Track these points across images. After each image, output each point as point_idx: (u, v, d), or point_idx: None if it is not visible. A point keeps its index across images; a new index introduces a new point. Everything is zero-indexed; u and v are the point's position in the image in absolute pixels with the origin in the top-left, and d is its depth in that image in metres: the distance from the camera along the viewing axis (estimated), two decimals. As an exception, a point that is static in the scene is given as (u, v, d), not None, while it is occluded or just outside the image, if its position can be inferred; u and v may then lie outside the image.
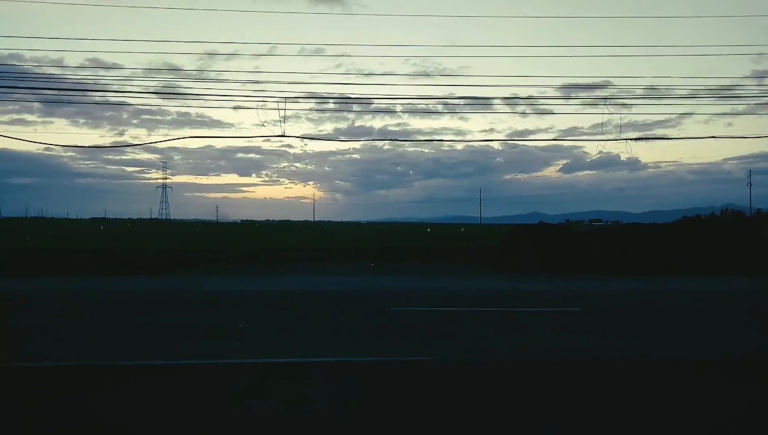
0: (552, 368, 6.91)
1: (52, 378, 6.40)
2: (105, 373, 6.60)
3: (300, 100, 18.25)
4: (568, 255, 20.54)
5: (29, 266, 19.56)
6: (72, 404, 5.43)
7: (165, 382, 6.28)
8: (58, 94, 18.69)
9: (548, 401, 5.56)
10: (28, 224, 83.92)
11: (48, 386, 6.08)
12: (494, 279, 18.31)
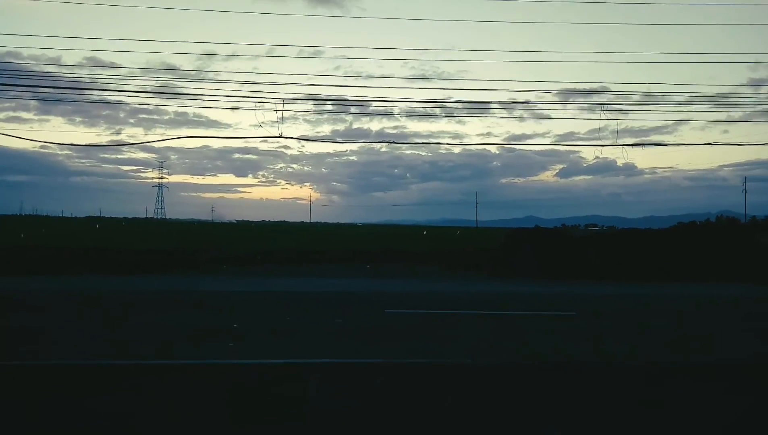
0: (548, 371, 6.92)
1: (47, 377, 6.36)
2: (99, 373, 6.57)
3: (298, 101, 18.25)
4: (565, 259, 20.56)
5: (23, 264, 19.47)
6: (68, 403, 5.40)
7: (161, 381, 6.25)
8: (55, 92, 18.64)
9: (545, 404, 5.56)
10: (22, 222, 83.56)
11: (43, 385, 6.04)
12: (490, 282, 18.33)
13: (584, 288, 16.82)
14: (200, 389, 5.95)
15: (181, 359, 7.25)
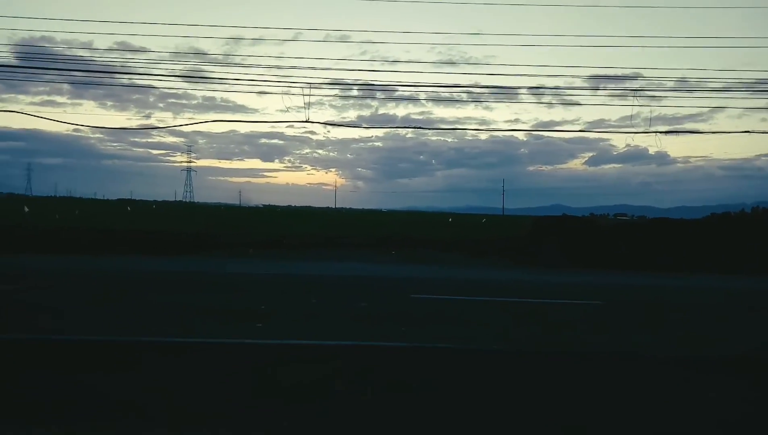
0: (570, 360, 6.87)
1: (74, 352, 6.57)
2: (126, 349, 6.75)
3: (324, 86, 18.27)
4: (592, 249, 20.29)
5: (57, 244, 20.07)
6: (95, 378, 5.59)
7: (187, 359, 6.40)
8: (87, 76, 19.04)
9: (565, 393, 5.54)
10: (57, 203, 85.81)
11: (71, 360, 6.24)
12: (516, 270, 18.21)
13: (612, 278, 16.59)
14: (227, 367, 6.08)
15: (209, 338, 7.40)
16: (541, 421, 4.76)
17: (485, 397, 5.31)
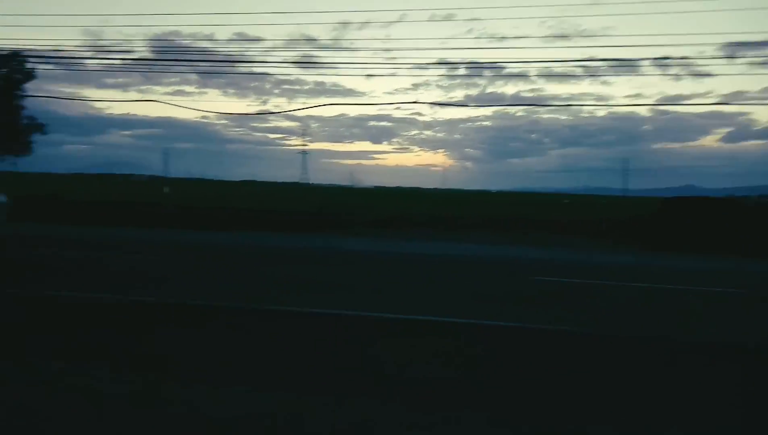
0: (698, 352, 6.35)
1: (201, 314, 7.24)
2: (238, 313, 7.32)
3: (431, 66, 18.14)
4: (729, 233, 18.45)
5: (193, 221, 22.12)
6: (203, 334, 6.13)
7: (291, 324, 6.80)
8: (211, 66, 20.46)
9: (685, 384, 5.17)
10: (192, 185, 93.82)
11: (199, 319, 6.89)
12: (641, 254, 17.10)
13: (753, 265, 15.00)
14: (346, 333, 6.37)
15: (329, 308, 7.76)
16: (658, 411, 4.49)
17: (602, 382, 5.11)
